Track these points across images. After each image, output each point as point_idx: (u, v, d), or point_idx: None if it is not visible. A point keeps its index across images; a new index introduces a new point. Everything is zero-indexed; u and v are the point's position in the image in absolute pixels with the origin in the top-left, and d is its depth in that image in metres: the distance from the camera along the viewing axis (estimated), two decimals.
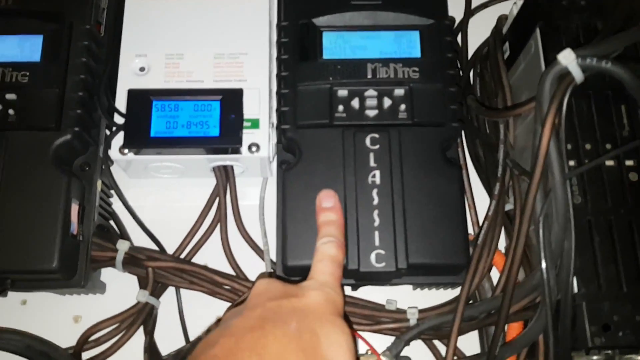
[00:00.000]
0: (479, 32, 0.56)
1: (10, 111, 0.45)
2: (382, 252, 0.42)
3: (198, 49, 0.51)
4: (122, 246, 0.48)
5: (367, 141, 0.45)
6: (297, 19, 0.48)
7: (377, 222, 0.43)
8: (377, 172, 0.44)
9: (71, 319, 0.51)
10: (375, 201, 0.43)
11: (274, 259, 0.49)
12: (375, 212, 0.43)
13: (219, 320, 0.40)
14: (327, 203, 0.42)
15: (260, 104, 0.49)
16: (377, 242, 0.42)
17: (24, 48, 0.47)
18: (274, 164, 0.51)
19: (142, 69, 0.50)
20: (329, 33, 0.47)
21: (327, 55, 0.47)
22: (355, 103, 0.46)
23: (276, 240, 0.47)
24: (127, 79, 0.50)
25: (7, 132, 0.45)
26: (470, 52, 0.56)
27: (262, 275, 0.48)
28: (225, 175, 0.51)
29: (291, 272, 0.43)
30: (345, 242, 0.40)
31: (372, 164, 0.44)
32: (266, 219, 0.51)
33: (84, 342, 0.46)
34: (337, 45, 0.47)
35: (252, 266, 0.51)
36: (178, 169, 0.51)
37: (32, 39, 0.47)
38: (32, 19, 0.47)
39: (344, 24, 0.48)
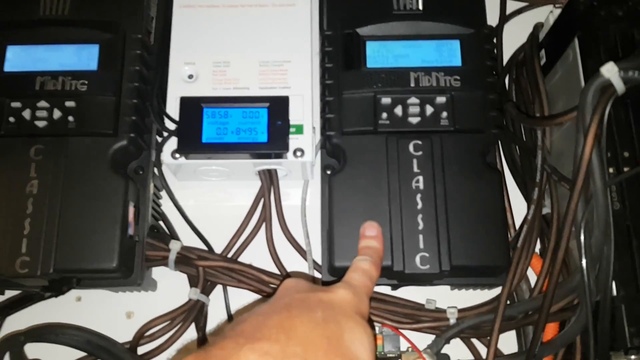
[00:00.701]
0: (513, 37, 0.57)
1: (70, 118, 0.47)
2: (427, 254, 0.44)
3: (244, 56, 0.53)
4: (175, 246, 0.50)
5: (411, 147, 0.46)
6: (341, 28, 0.50)
7: (421, 226, 0.45)
8: (421, 178, 0.46)
9: (124, 315, 0.53)
10: (419, 206, 0.45)
11: (316, 260, 0.52)
12: (420, 217, 0.45)
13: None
14: (371, 232, 0.43)
15: (304, 110, 0.51)
16: (421, 245, 0.44)
17: (81, 57, 0.49)
18: (316, 168, 0.53)
19: (190, 76, 0.53)
20: (372, 42, 0.49)
21: (370, 64, 0.49)
22: (398, 110, 0.47)
23: (321, 241, 0.49)
24: (176, 86, 0.52)
25: (67, 138, 0.47)
26: (504, 58, 0.57)
27: (291, 275, 0.50)
28: (269, 178, 0.53)
29: (338, 272, 0.45)
30: (381, 264, 0.41)
31: (415, 169, 0.46)
32: (307, 220, 0.53)
33: (140, 337, 0.49)
34: (380, 54, 0.49)
35: (295, 266, 0.53)
36: (225, 172, 0.53)
37: (88, 48, 0.49)
38: (88, 29, 0.50)
39: (387, 34, 0.49)
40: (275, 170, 0.53)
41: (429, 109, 0.47)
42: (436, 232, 0.44)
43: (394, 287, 0.51)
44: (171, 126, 0.50)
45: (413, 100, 0.47)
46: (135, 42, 0.50)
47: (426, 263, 0.44)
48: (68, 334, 0.46)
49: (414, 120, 0.47)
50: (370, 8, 0.50)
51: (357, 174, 0.46)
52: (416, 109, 0.47)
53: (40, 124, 0.47)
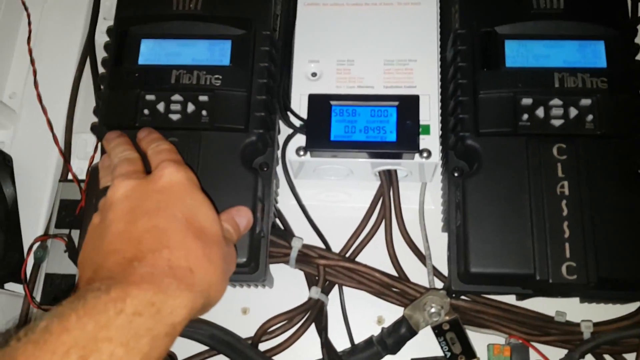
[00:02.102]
0: None
1: (204, 112, 0.47)
2: (573, 264, 0.42)
3: (368, 55, 0.52)
4: (296, 243, 0.50)
5: (554, 151, 0.44)
6: (476, 27, 0.48)
7: (567, 234, 0.42)
8: (566, 183, 0.43)
9: (240, 310, 0.53)
10: (565, 212, 0.43)
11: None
12: (565, 224, 0.42)
13: None
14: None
15: (430, 110, 0.50)
16: (567, 254, 0.42)
17: (214, 52, 0.49)
18: (437, 170, 0.52)
19: (314, 74, 0.52)
20: (512, 41, 0.47)
21: (509, 63, 0.47)
22: (540, 112, 0.45)
23: (449, 246, 0.47)
24: (301, 84, 0.52)
25: (200, 132, 0.47)
26: None
27: None
28: (389, 179, 0.52)
29: (474, 279, 0.44)
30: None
31: (560, 174, 0.44)
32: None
33: (262, 334, 0.48)
34: (519, 53, 0.47)
35: (412, 270, 0.51)
36: (344, 171, 0.52)
37: (221, 44, 0.49)
38: (220, 24, 0.50)
39: (526, 32, 0.48)
40: (396, 171, 0.52)
41: (573, 112, 0.45)
42: (583, 241, 0.42)
43: (520, 298, 0.48)
44: (296, 123, 0.50)
45: (556, 101, 0.45)
46: (265, 38, 0.50)
47: (573, 273, 0.41)
48: (193, 327, 0.46)
49: (557, 122, 0.45)
50: (509, 6, 0.48)
51: (494, 176, 0.45)
52: (559, 111, 0.45)
53: (174, 117, 0.47)
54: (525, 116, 0.45)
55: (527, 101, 0.45)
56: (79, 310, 0.28)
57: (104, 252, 0.34)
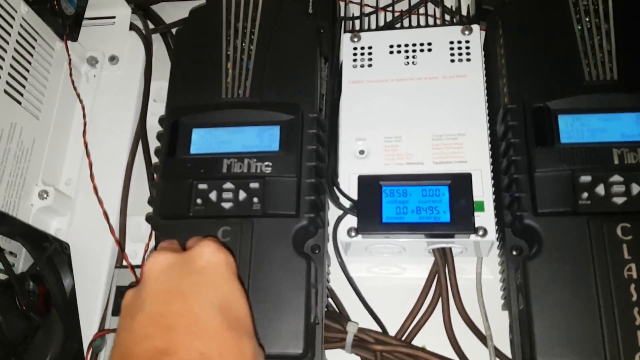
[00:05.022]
0: None
1: (255, 199, 0.48)
2: None
3: (416, 130, 0.52)
4: (352, 328, 0.49)
5: (619, 231, 0.42)
6: (528, 101, 0.47)
7: (638, 321, 0.40)
8: (633, 265, 0.41)
9: None
10: (635, 297, 0.41)
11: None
12: (636, 310, 0.40)
13: None
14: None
15: (483, 186, 0.49)
16: None
17: (263, 138, 0.50)
18: (494, 245, 0.50)
19: (361, 152, 0.52)
20: (565, 116, 0.46)
21: (564, 139, 0.46)
22: (600, 190, 0.44)
23: (510, 329, 0.46)
24: (348, 162, 0.52)
25: (252, 219, 0.47)
26: None
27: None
28: (444, 257, 0.51)
29: None
30: None
31: (626, 256, 0.42)
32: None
33: None
34: (574, 128, 0.46)
35: (472, 350, 0.50)
36: (397, 249, 0.52)
37: (270, 130, 0.50)
38: (269, 111, 0.50)
39: (579, 106, 0.46)
40: (450, 248, 0.51)
41: (635, 188, 0.43)
42: None
43: None
44: (345, 203, 0.50)
45: (617, 178, 0.44)
46: (312, 121, 0.51)
47: None
48: None
49: (619, 200, 0.43)
50: (560, 80, 0.47)
51: (557, 259, 0.43)
52: (621, 188, 0.43)
53: (227, 205, 0.48)
54: (585, 194, 0.44)
55: (586, 179, 0.44)
56: None
57: (135, 335, 0.34)
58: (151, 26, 0.67)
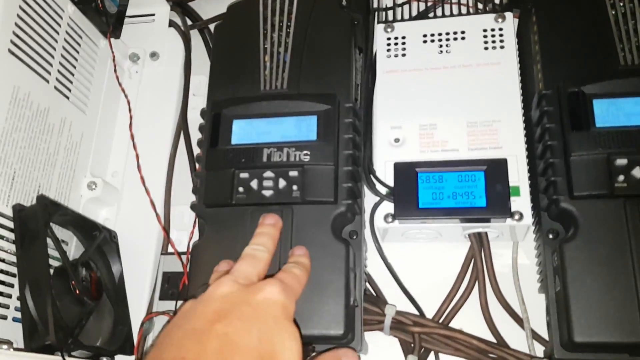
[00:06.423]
0: None
1: (294, 187, 0.49)
2: None
3: (450, 118, 0.53)
4: (390, 311, 0.50)
5: None
6: (563, 87, 0.48)
7: None
8: None
9: None
10: None
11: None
12: None
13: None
14: (270, 220, 0.46)
15: (519, 171, 0.49)
16: None
17: (301, 128, 0.51)
18: (530, 230, 0.51)
19: (397, 140, 0.53)
20: (600, 101, 0.47)
21: (600, 123, 0.46)
22: (636, 172, 0.44)
23: (547, 311, 0.47)
24: (384, 150, 0.53)
25: (292, 206, 0.49)
26: None
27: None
28: (480, 241, 0.52)
29: (579, 348, 0.43)
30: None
31: None
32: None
33: None
34: (609, 112, 0.46)
35: (510, 333, 0.51)
36: (433, 234, 0.53)
37: (307, 120, 0.51)
38: (306, 101, 0.52)
39: (614, 91, 0.47)
40: (486, 233, 0.52)
41: None
42: None
43: None
44: (382, 190, 0.51)
45: None
46: (348, 110, 0.52)
47: None
48: None
49: None
50: (595, 65, 0.48)
51: (593, 241, 0.44)
52: None
53: (267, 193, 0.50)
54: (621, 177, 0.44)
55: (621, 162, 0.44)
56: None
57: (171, 341, 0.35)
58: (189, 22, 0.70)
